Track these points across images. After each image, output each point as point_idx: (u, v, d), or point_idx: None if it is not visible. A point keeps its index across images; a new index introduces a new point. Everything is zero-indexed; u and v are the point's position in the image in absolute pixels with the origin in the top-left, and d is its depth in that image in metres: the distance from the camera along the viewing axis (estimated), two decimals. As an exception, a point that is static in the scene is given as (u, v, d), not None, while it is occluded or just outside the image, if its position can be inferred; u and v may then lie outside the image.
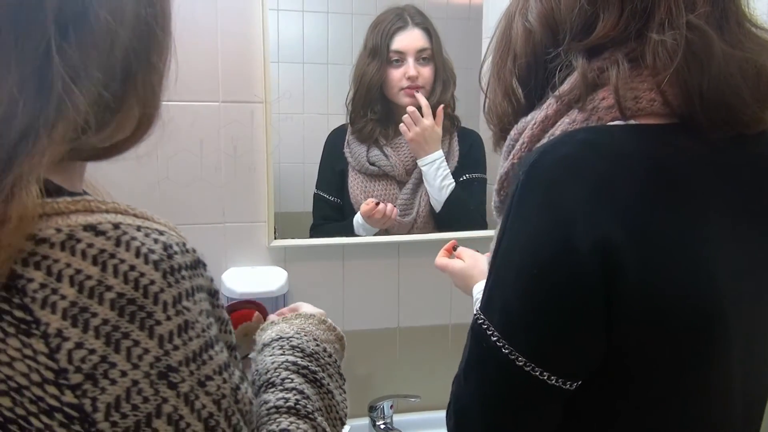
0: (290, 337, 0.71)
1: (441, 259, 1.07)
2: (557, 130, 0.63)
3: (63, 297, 0.41)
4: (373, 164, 1.44)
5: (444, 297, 1.47)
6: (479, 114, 1.48)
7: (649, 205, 0.56)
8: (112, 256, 0.42)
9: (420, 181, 1.45)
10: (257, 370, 0.67)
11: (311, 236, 1.44)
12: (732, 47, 0.58)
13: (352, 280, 1.43)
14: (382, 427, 1.37)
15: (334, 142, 1.45)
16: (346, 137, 1.45)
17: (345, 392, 0.72)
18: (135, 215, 0.46)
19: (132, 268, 0.43)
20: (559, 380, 0.59)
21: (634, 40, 0.60)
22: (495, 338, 0.60)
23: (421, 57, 1.39)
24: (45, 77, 0.43)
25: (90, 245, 0.42)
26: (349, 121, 1.44)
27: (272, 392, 0.63)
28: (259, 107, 1.29)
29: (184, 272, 0.45)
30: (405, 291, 1.46)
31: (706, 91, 0.57)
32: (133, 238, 0.44)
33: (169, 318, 0.43)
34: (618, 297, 0.55)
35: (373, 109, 1.41)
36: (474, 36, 1.48)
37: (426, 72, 1.40)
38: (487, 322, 0.61)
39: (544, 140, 0.63)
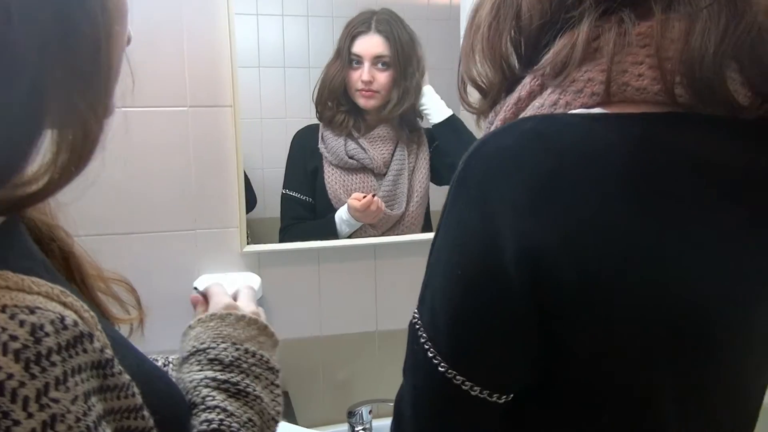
0: (207, 349, 0.67)
1: None
2: (528, 114, 0.55)
3: None
4: (351, 157, 1.43)
5: (421, 299, 1.45)
6: (458, 112, 1.49)
7: (598, 208, 0.47)
8: None
9: (400, 173, 1.46)
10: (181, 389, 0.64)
11: (281, 238, 1.42)
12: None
13: (328, 283, 1.41)
14: (362, 432, 1.35)
15: (303, 140, 1.45)
16: (320, 133, 1.44)
17: (277, 386, 0.68)
18: (7, 288, 0.39)
19: None
20: (484, 392, 0.52)
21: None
22: (423, 340, 0.54)
23: (379, 62, 1.40)
24: None
25: None
26: (318, 116, 1.43)
27: (195, 414, 0.60)
28: (227, 111, 1.27)
29: (54, 357, 0.39)
30: (383, 293, 1.45)
31: (725, 49, 0.47)
32: None
33: (30, 415, 0.37)
34: (554, 307, 0.48)
35: (339, 102, 1.42)
36: (449, 36, 1.48)
37: (382, 78, 1.41)
38: (420, 321, 0.56)
39: None
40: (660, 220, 0.48)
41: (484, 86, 0.62)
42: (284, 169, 1.45)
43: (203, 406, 0.60)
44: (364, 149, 1.44)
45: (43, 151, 0.41)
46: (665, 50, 0.49)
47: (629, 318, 0.48)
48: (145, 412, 0.47)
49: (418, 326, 0.56)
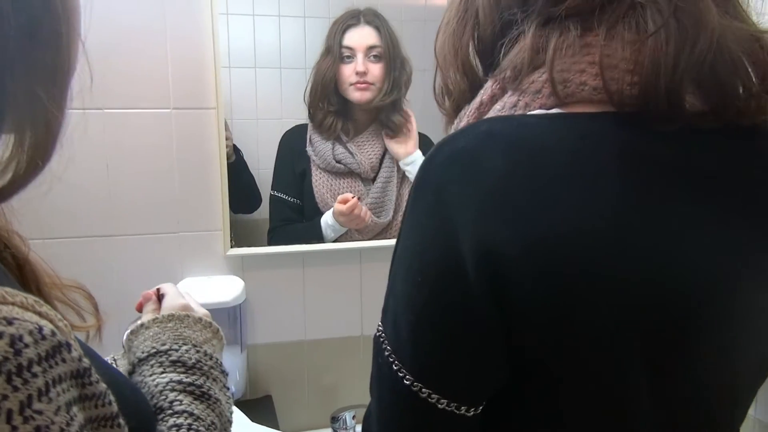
0: (168, 351, 0.66)
1: None
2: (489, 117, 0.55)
3: None
4: (339, 162, 1.43)
5: (407, 303, 1.45)
6: (439, 116, 1.48)
7: (552, 205, 0.46)
8: None
9: (388, 181, 1.45)
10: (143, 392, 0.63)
11: (270, 239, 1.42)
12: (738, 21, 0.49)
13: (313, 287, 1.41)
14: (345, 437, 1.34)
15: (291, 142, 1.44)
16: (308, 136, 1.44)
17: (229, 389, 0.68)
18: None
19: None
20: (452, 404, 0.51)
21: (599, 8, 0.50)
22: (387, 353, 0.53)
23: (371, 54, 1.40)
24: None
25: None
26: (309, 116, 1.43)
27: (162, 420, 0.59)
28: (211, 113, 1.26)
29: (36, 368, 0.39)
30: (368, 298, 1.44)
31: (683, 70, 0.47)
32: None
33: (14, 429, 0.37)
34: (515, 311, 0.47)
35: (330, 101, 1.41)
36: (430, 38, 1.47)
37: (376, 69, 1.40)
38: (384, 334, 0.54)
39: None
40: (613, 212, 0.47)
41: (451, 90, 0.62)
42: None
43: (170, 411, 0.60)
44: (351, 153, 1.43)
45: (1, 149, 0.41)
46: (610, 58, 0.49)
47: (593, 315, 0.48)
48: (121, 420, 0.47)
49: (382, 339, 0.54)
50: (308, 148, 1.44)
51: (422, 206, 0.50)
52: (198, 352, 0.67)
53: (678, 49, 0.47)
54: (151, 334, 0.69)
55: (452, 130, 0.60)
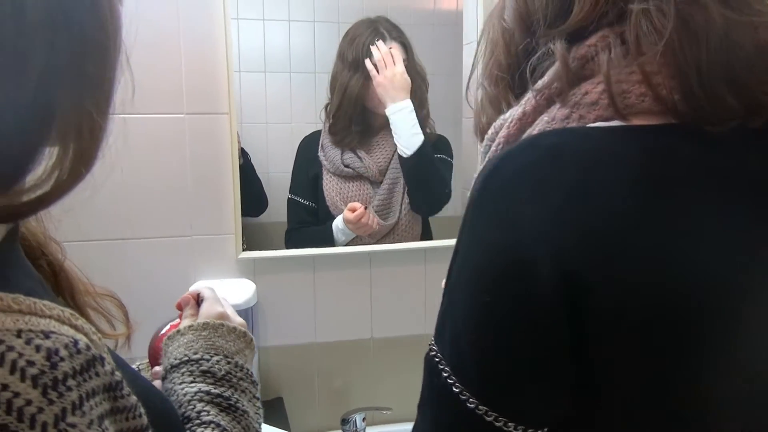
0: (199, 360, 0.67)
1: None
2: (535, 129, 0.54)
3: None
4: (347, 166, 1.45)
5: (418, 307, 1.45)
6: (461, 120, 1.49)
7: (629, 225, 0.46)
8: None
9: (395, 182, 1.47)
10: (172, 401, 0.64)
11: (287, 240, 1.45)
12: (738, 13, 0.48)
13: (323, 291, 1.42)
14: (355, 440, 1.35)
15: (306, 147, 1.47)
16: (320, 141, 1.46)
17: (258, 399, 0.68)
18: (20, 311, 0.39)
19: (4, 387, 0.36)
20: (519, 427, 0.49)
21: (617, 22, 0.51)
22: (446, 374, 0.50)
23: None
24: None
25: None
26: (327, 129, 1.44)
27: (189, 429, 0.60)
28: (224, 118, 1.28)
29: (70, 381, 0.39)
30: (378, 301, 1.45)
31: (706, 69, 0.47)
32: (10, 349, 0.37)
33: None
34: (589, 334, 0.46)
35: (356, 121, 1.43)
36: (455, 42, 1.49)
37: None
38: (439, 354, 0.52)
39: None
40: (689, 228, 0.47)
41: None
42: (289, 174, 1.47)
43: (198, 421, 0.60)
44: (360, 158, 1.45)
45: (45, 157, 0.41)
46: (651, 66, 0.49)
47: (674, 337, 0.47)
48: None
49: (437, 359, 0.52)
50: (320, 154, 1.46)
51: (487, 223, 0.49)
52: (229, 363, 0.68)
53: (693, 51, 0.47)
54: (185, 341, 0.69)
55: (488, 142, 0.60)
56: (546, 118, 0.53)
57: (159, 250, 1.30)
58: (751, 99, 0.49)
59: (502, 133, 0.57)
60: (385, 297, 1.44)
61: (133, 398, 0.46)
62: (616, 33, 0.50)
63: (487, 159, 0.57)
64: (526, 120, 0.55)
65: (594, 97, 0.50)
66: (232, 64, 1.26)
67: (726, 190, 0.49)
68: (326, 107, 1.43)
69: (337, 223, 1.43)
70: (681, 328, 0.47)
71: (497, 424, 0.48)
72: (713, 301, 0.47)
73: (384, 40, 1.39)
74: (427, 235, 1.51)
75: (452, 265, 0.52)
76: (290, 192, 1.47)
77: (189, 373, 0.66)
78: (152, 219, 1.29)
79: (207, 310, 0.76)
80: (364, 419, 1.35)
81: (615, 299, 0.46)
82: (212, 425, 0.60)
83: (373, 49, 1.38)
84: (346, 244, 1.44)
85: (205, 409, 0.61)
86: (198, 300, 0.79)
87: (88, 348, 0.41)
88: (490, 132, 0.60)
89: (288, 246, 1.45)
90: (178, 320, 0.79)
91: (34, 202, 0.41)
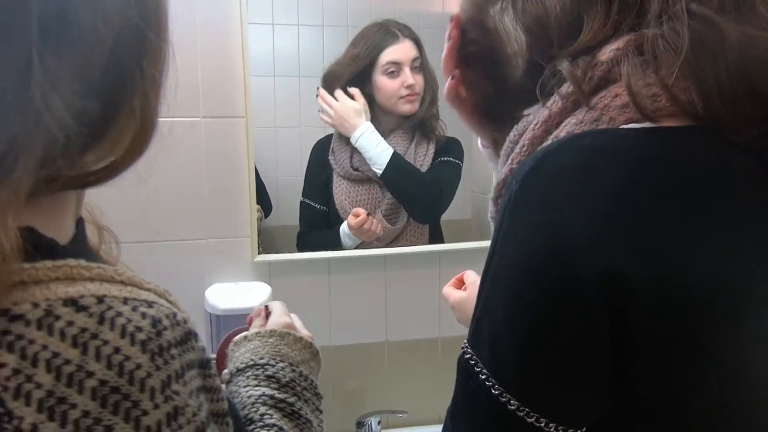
0: (265, 365, 0.68)
1: (446, 288, 0.96)
2: (562, 131, 0.54)
3: (38, 385, 0.36)
4: (356, 169, 1.45)
5: (433, 310, 1.45)
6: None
7: (671, 227, 0.47)
8: (95, 336, 0.38)
9: None
10: (235, 403, 0.64)
11: (298, 243, 1.45)
12: (756, 28, 0.49)
13: (338, 293, 1.42)
14: (371, 443, 1.35)
15: (318, 151, 1.48)
16: (331, 145, 1.46)
17: (321, 411, 0.69)
18: (122, 282, 0.41)
19: (116, 350, 0.38)
20: (560, 428, 0.49)
21: (628, 34, 0.52)
22: (484, 376, 0.51)
23: (413, 66, 1.42)
24: (25, 89, 0.38)
25: (70, 323, 0.37)
26: (337, 130, 1.45)
27: (252, 431, 0.61)
28: (240, 122, 1.28)
29: (173, 350, 0.41)
30: (392, 304, 1.45)
31: (726, 82, 0.48)
32: (119, 314, 0.39)
33: (156, 406, 0.39)
34: (631, 334, 0.47)
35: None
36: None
37: (419, 80, 1.44)
38: (475, 357, 0.52)
39: (547, 143, 0.55)
40: (727, 233, 0.48)
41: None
42: (297, 177, 1.47)
43: (261, 423, 0.61)
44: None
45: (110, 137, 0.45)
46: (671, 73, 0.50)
47: (711, 343, 0.47)
48: (229, 419, 0.48)
49: (473, 362, 0.52)
50: (330, 157, 1.46)
51: (526, 224, 0.49)
52: (294, 371, 0.68)
53: (711, 66, 0.48)
54: (251, 346, 0.71)
55: (509, 144, 0.60)
56: (573, 120, 0.54)
57: (175, 253, 1.30)
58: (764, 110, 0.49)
59: (527, 135, 0.57)
60: (400, 300, 1.44)
61: (218, 381, 0.47)
62: (630, 43, 0.52)
63: (514, 159, 0.58)
64: (552, 122, 0.55)
65: (625, 100, 0.51)
66: (249, 67, 1.26)
67: (752, 191, 0.50)
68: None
69: (344, 228, 1.44)
70: (719, 330, 0.48)
71: (538, 424, 0.49)
72: (746, 302, 0.49)
73: (398, 39, 1.41)
74: (437, 238, 1.51)
75: (487, 270, 0.53)
76: (302, 195, 1.47)
77: (254, 376, 0.66)
78: (168, 222, 1.29)
79: (275, 320, 0.78)
80: (379, 422, 1.35)
81: (657, 301, 0.46)
82: (275, 428, 0.61)
83: (318, 100, 1.40)
84: (361, 247, 1.44)
85: (268, 412, 0.62)
86: (267, 313, 0.82)
87: (185, 321, 0.43)
88: (512, 134, 0.60)
89: (299, 249, 1.45)
90: (246, 325, 0.82)
91: (95, 173, 0.44)
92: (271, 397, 0.64)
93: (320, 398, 0.70)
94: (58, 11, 0.39)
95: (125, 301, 0.40)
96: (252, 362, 0.68)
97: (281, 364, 0.68)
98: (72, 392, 0.37)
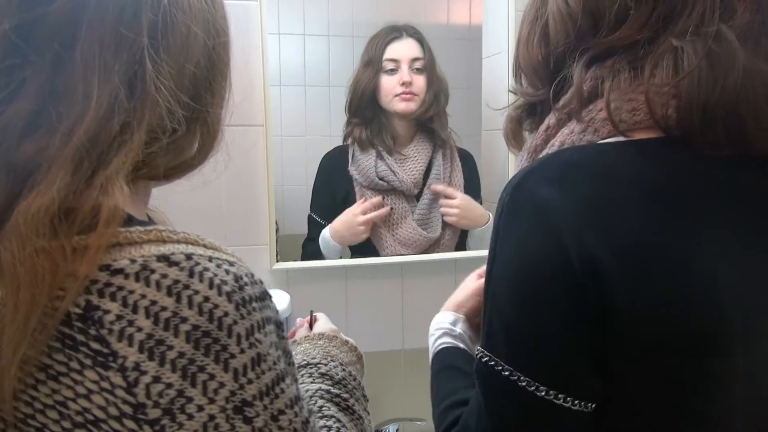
0: (318, 364, 0.71)
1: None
2: (557, 140, 0.61)
3: (139, 329, 0.41)
4: (381, 179, 1.43)
5: (448, 317, 1.45)
6: (480, 132, 1.49)
7: (640, 229, 0.52)
8: (186, 287, 0.42)
9: (436, 197, 1.47)
10: None
11: (303, 251, 1.45)
12: (765, 61, 0.53)
13: (355, 301, 1.42)
14: (389, 451, 1.35)
15: (332, 162, 1.44)
16: (350, 155, 1.44)
17: (369, 413, 0.72)
18: (205, 245, 0.46)
19: (206, 299, 0.42)
20: (582, 403, 0.54)
21: (643, 47, 0.56)
22: (507, 372, 0.55)
23: (414, 66, 1.42)
24: (138, 81, 0.46)
25: (164, 276, 0.42)
26: (344, 137, 1.44)
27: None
28: (259, 130, 1.30)
29: (254, 304, 0.45)
30: (409, 312, 1.45)
31: (713, 103, 0.52)
32: (206, 269, 0.43)
33: (242, 351, 0.43)
34: (609, 321, 0.52)
35: (363, 113, 1.42)
36: (470, 56, 1.50)
37: (419, 81, 1.42)
38: (494, 358, 0.56)
39: (546, 151, 0.62)
40: (694, 233, 0.53)
41: (527, 95, 0.69)
42: (304, 187, 1.44)
43: (320, 414, 0.64)
44: (393, 171, 1.43)
45: (185, 138, 0.53)
46: (656, 87, 0.55)
47: (664, 331, 0.52)
48: (298, 383, 0.52)
49: (492, 363, 0.56)
50: (351, 168, 1.44)
51: (521, 229, 0.55)
52: (344, 370, 0.72)
53: (708, 90, 0.52)
54: (301, 349, 0.74)
55: (522, 155, 0.67)
56: (566, 130, 0.61)
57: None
58: (743, 145, 0.54)
59: (530, 143, 0.65)
60: (417, 307, 1.44)
61: (289, 343, 0.51)
62: (628, 60, 0.57)
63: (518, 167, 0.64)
64: (550, 132, 0.63)
65: (606, 114, 0.56)
66: (269, 76, 1.28)
67: (728, 201, 0.56)
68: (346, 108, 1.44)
69: (325, 234, 1.42)
70: (702, 335, 0.52)
71: (566, 405, 0.53)
72: (710, 295, 0.53)
73: (400, 37, 1.41)
74: (462, 246, 1.51)
75: (489, 276, 0.58)
76: (310, 209, 1.44)
77: (309, 375, 0.70)
78: (188, 229, 1.29)
79: (322, 326, 0.84)
80: (397, 430, 1.35)
81: (629, 304, 0.51)
82: (333, 419, 0.64)
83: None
84: (378, 255, 1.44)
85: (326, 405, 0.65)
86: (311, 323, 0.87)
87: (261, 282, 0.47)
88: (527, 144, 0.67)
89: (303, 257, 1.44)
90: (293, 330, 0.87)
91: (174, 168, 0.54)
92: (328, 391, 0.67)
93: (367, 400, 0.73)
94: (165, 24, 0.48)
95: (210, 258, 0.44)
96: (305, 362, 0.72)
97: (333, 363, 0.72)
98: (169, 335, 0.41)
